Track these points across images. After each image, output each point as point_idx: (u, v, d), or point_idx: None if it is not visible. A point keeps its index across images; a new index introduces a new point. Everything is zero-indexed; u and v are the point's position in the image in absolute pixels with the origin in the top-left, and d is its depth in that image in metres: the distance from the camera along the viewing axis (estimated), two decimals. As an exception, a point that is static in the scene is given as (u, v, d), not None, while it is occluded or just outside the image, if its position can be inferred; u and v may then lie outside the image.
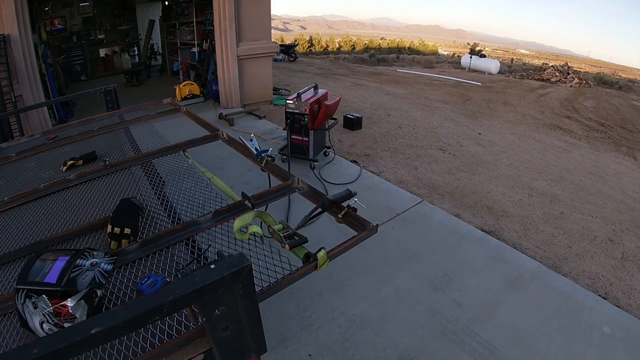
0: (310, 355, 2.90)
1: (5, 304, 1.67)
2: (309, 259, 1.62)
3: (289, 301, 3.32)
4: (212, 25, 9.42)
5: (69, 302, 1.37)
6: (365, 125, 8.03)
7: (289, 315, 3.21)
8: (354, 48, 36.93)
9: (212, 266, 1.09)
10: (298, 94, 5.64)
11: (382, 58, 30.44)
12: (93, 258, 1.51)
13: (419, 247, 4.05)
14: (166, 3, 14.00)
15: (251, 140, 2.64)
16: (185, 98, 9.34)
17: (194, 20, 11.27)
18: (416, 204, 4.71)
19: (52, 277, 1.43)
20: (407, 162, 6.36)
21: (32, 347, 1.00)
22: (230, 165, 5.20)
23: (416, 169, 6.12)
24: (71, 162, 3.02)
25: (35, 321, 1.41)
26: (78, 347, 1.02)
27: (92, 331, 0.97)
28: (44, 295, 1.39)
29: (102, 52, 15.37)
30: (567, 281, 3.74)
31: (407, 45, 43.65)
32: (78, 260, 1.49)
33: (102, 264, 1.49)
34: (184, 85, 9.60)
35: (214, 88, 9.44)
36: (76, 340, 0.98)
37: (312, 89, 5.99)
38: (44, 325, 1.40)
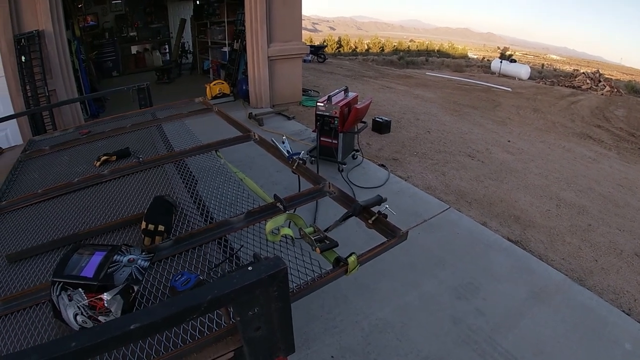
0: (332, 357, 2.92)
1: (38, 294, 1.72)
2: (339, 263, 1.64)
3: (314, 302, 3.34)
4: (244, 26, 9.49)
5: (105, 297, 1.41)
6: (393, 129, 8.00)
7: (314, 316, 3.23)
8: (382, 50, 36.71)
9: (250, 268, 1.11)
10: (329, 96, 5.65)
11: (411, 60, 30.21)
12: (130, 254, 1.55)
13: (445, 254, 4.04)
14: (198, 2, 14.14)
15: (283, 142, 2.68)
16: (216, 97, 9.46)
17: (226, 20, 11.38)
18: (443, 211, 4.68)
19: (89, 272, 1.47)
20: (435, 167, 6.32)
21: (70, 340, 1.04)
22: (259, 165, 5.21)
23: (444, 175, 6.08)
24: (105, 157, 3.09)
25: (69, 313, 1.45)
26: (116, 341, 1.05)
27: (132, 327, 1.00)
28: (80, 289, 1.42)
29: (134, 49, 15.64)
30: (591, 295, 3.68)
31: (437, 48, 43.22)
32: (115, 256, 1.53)
33: (139, 261, 1.53)
34: (214, 84, 9.71)
35: (244, 88, 9.53)
36: (115, 335, 1.01)
37: (343, 92, 5.99)
38: (78, 317, 1.44)
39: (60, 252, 2.08)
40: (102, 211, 2.40)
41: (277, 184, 4.87)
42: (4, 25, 6.83)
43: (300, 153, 2.52)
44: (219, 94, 9.53)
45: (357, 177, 5.71)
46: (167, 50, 15.88)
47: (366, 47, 37.57)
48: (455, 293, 3.57)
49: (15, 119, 7.22)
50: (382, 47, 37.75)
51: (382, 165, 6.17)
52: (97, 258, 1.52)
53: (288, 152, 2.59)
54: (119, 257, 1.53)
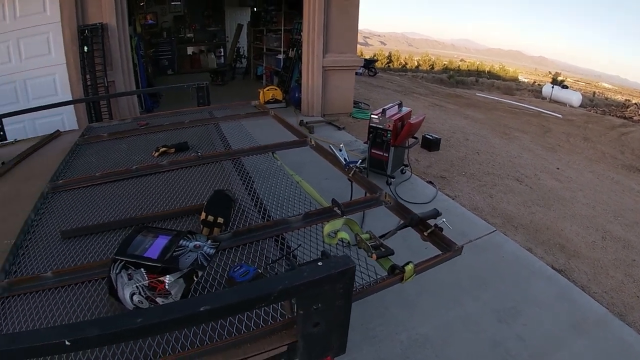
0: (370, 366, 2.92)
1: (91, 271, 1.80)
2: (394, 271, 1.64)
3: (355, 310, 3.31)
4: (300, 35, 9.62)
5: (167, 279, 1.45)
6: (443, 147, 7.94)
7: (354, 323, 3.21)
8: (432, 67, 36.45)
9: (320, 263, 1.13)
10: (383, 109, 5.66)
11: (461, 80, 29.91)
12: (196, 241, 1.59)
13: (489, 277, 3.98)
14: (255, 9, 14.37)
15: (340, 150, 2.70)
16: (268, 102, 9.60)
17: (282, 28, 11.55)
18: (489, 233, 4.62)
19: (153, 253, 1.51)
20: (483, 189, 6.25)
21: (137, 315, 1.08)
22: (308, 171, 5.07)
23: (492, 197, 6.01)
24: (164, 149, 3.18)
25: (125, 292, 1.49)
26: (183, 322, 1.10)
27: (201, 309, 1.02)
28: (142, 269, 1.46)
29: (190, 50, 16.06)
30: (630, 331, 3.56)
31: (487, 69, 42.57)
32: (181, 241, 1.57)
33: (205, 248, 1.56)
34: (267, 90, 9.85)
35: (296, 95, 9.65)
36: (183, 315, 1.05)
37: (397, 106, 5.98)
38: (134, 297, 1.48)
39: (115, 233, 2.16)
40: (159, 199, 2.48)
41: (325, 191, 4.85)
42: (69, 16, 7.17)
43: (357, 162, 2.53)
44: (271, 99, 9.67)
45: (405, 191, 5.67)
46: (222, 54, 16.21)
47: (416, 63, 37.39)
48: (496, 316, 3.51)
49: (72, 105, 7.53)
50: (432, 64, 37.52)
51: (430, 182, 6.13)
52: (162, 241, 1.56)
53: (345, 159, 2.61)
54: (185, 242, 1.57)
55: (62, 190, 2.76)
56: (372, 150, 5.76)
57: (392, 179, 5.81)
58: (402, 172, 6.26)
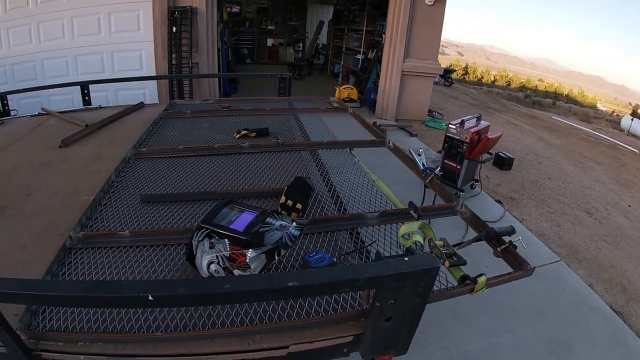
0: (417, 375, 2.90)
1: (169, 236, 1.90)
2: (465, 281, 1.63)
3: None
4: (381, 37, 9.61)
5: (250, 253, 1.48)
6: (514, 167, 7.76)
7: (407, 330, 3.22)
8: (509, 84, 35.41)
9: (406, 259, 1.14)
10: (462, 120, 5.57)
11: (537, 101, 28.92)
12: (282, 221, 1.63)
13: (547, 307, 3.88)
14: (338, 7, 14.42)
15: (419, 155, 2.68)
16: (343, 100, 9.62)
17: (364, 28, 11.55)
18: (553, 262, 4.50)
19: (239, 226, 1.55)
20: (551, 217, 6.07)
21: (225, 281, 1.11)
22: (378, 174, 5.15)
23: (559, 226, 5.82)
24: (245, 132, 3.27)
25: (204, 259, 1.54)
26: (270, 293, 1.13)
27: (289, 284, 1.05)
28: (226, 240, 1.51)
29: (269, 42, 16.32)
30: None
31: (566, 92, 40.91)
32: (268, 219, 1.61)
33: (290, 228, 1.60)
34: (344, 88, 9.90)
35: (371, 97, 9.64)
36: (271, 288, 1.08)
37: (475, 119, 5.87)
38: (212, 266, 1.53)
39: (193, 204, 2.26)
40: (239, 178, 2.57)
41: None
42: None
43: (436, 169, 2.50)
44: (346, 98, 9.69)
45: (472, 207, 5.38)
46: (301, 48, 16.40)
47: (493, 78, 36.49)
48: (548, 347, 3.42)
49: (155, 81, 7.85)
50: (509, 81, 36.49)
51: (499, 202, 6.00)
52: (248, 216, 1.61)
53: (423, 165, 2.58)
54: (271, 220, 1.61)
55: (144, 157, 2.92)
56: (445, 161, 5.69)
57: (462, 193, 5.72)
58: (472, 187, 6.15)
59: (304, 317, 1.43)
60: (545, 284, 4.17)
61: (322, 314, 1.45)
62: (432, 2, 8.44)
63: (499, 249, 1.90)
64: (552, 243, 5.23)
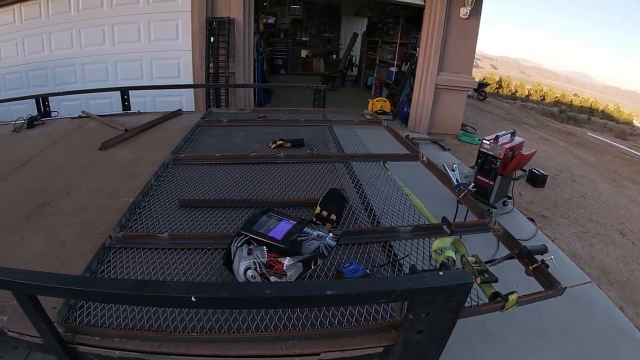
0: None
1: (206, 241, 1.97)
2: (496, 298, 1.63)
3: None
4: (415, 50, 9.61)
5: (287, 261, 1.52)
6: (548, 184, 7.64)
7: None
8: (543, 99, 34.67)
9: (441, 273, 1.16)
10: (496, 136, 5.51)
11: (572, 116, 28.36)
12: (319, 231, 1.66)
13: (576, 328, 3.80)
14: (372, 20, 14.46)
15: (453, 170, 2.68)
16: (376, 112, 9.64)
17: (398, 41, 11.54)
18: (583, 283, 4.43)
19: (277, 234, 1.60)
20: (584, 236, 5.96)
21: (266, 287, 1.15)
22: (410, 188, 5.12)
23: (592, 246, 5.72)
24: (280, 142, 3.34)
25: (241, 265, 1.59)
26: (307, 301, 1.17)
27: (327, 292, 1.08)
28: (264, 247, 1.56)
29: (303, 53, 16.43)
30: None
31: (601, 108, 39.91)
32: (305, 228, 1.65)
33: (327, 239, 1.63)
34: (377, 100, 9.92)
35: (404, 110, 9.62)
36: (309, 295, 1.12)
37: (509, 135, 5.80)
38: (248, 271, 1.57)
39: (230, 211, 2.32)
40: (274, 187, 2.64)
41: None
42: (199, 7, 7.69)
43: (469, 185, 2.51)
44: (379, 110, 9.69)
45: (505, 224, 5.36)
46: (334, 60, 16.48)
47: (527, 92, 35.87)
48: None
49: (192, 89, 8.08)
50: (544, 96, 35.81)
51: (531, 220, 5.91)
52: (286, 225, 1.66)
53: (457, 180, 2.59)
54: (309, 230, 1.65)
55: (183, 163, 3.02)
56: (478, 177, 5.65)
57: (494, 209, 5.65)
58: (504, 204, 6.06)
59: (335, 326, 1.46)
60: (575, 305, 4.11)
61: (353, 324, 1.47)
62: (467, 16, 8.43)
63: (530, 268, 1.89)
64: (583, 264, 5.15)
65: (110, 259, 1.88)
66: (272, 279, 1.54)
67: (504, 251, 2.09)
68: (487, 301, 1.65)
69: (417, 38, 10.09)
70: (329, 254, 1.60)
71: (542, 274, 1.86)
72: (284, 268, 1.53)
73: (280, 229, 1.63)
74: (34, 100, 5.40)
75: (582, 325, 3.88)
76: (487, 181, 5.52)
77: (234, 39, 7.89)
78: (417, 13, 9.75)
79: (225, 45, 7.74)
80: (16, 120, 4.22)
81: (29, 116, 4.31)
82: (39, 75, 8.43)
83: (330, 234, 1.67)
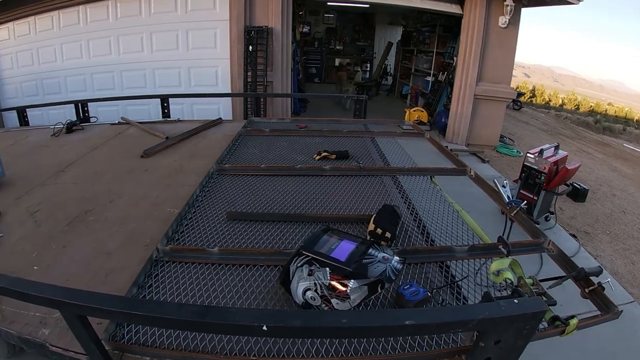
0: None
1: (258, 257, 1.96)
2: (555, 322, 1.58)
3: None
4: (452, 59, 9.53)
5: (351, 283, 1.49)
6: (588, 199, 7.47)
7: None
8: (578, 108, 33.99)
9: (516, 301, 1.13)
10: (541, 149, 5.42)
11: (608, 126, 27.72)
12: (384, 252, 1.63)
13: (618, 350, 3.72)
14: (406, 29, 14.40)
15: (504, 186, 2.63)
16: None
17: (434, 50, 11.43)
18: (626, 303, 4.30)
19: (340, 255, 1.57)
20: (626, 254, 5.80)
21: (341, 316, 1.13)
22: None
23: (633, 264, 5.56)
24: (325, 154, 3.33)
25: (300, 286, 1.56)
26: (386, 331, 1.16)
27: (407, 322, 1.05)
28: (327, 268, 1.52)
29: (337, 62, 16.44)
30: None
31: (637, 117, 38.89)
32: (370, 250, 1.62)
33: (393, 261, 1.59)
34: (414, 110, 9.84)
35: (442, 120, 9.51)
36: (389, 325, 1.09)
37: (553, 148, 5.69)
38: (308, 293, 1.55)
39: (279, 225, 2.30)
40: (322, 201, 2.61)
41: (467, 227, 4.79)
42: (237, 16, 7.78)
43: (522, 202, 2.45)
44: (416, 120, 9.60)
45: None
46: (368, 69, 16.49)
47: (561, 101, 35.22)
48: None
49: (230, 97, 8.21)
50: (578, 105, 35.08)
51: (574, 236, 5.77)
52: (348, 245, 1.63)
53: (508, 197, 2.53)
54: (373, 251, 1.61)
55: (227, 173, 3.02)
56: (521, 191, 5.56)
57: (537, 225, 5.51)
58: (547, 220, 5.93)
59: (398, 352, 1.42)
60: (616, 326, 3.97)
61: (416, 349, 1.44)
62: (506, 25, 8.32)
63: (586, 290, 1.85)
64: (625, 282, 5.02)
65: (157, 273, 1.87)
66: (334, 301, 1.51)
67: (549, 269, 2.05)
68: (547, 325, 1.61)
69: (454, 47, 10.03)
70: (395, 277, 1.56)
71: (598, 296, 1.83)
72: (348, 291, 1.49)
73: (343, 249, 1.60)
74: (70, 104, 5.54)
75: (624, 348, 3.81)
76: (531, 196, 5.42)
77: (272, 47, 7.95)
78: (454, 22, 9.74)
79: (264, 54, 7.80)
80: (55, 125, 4.31)
81: (68, 121, 4.41)
82: (77, 81, 8.67)
83: (396, 257, 1.63)
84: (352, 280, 1.49)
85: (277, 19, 7.87)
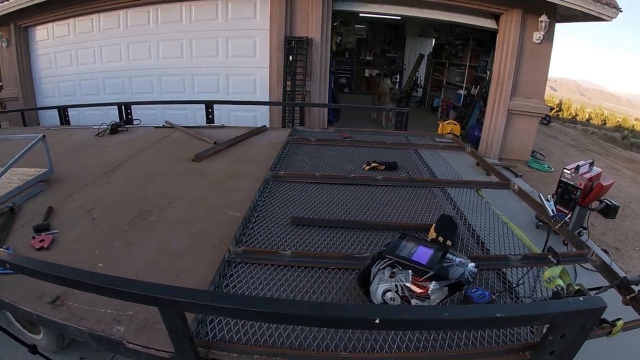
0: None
1: (328, 260, 2.08)
2: (602, 324, 1.73)
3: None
4: (486, 73, 9.56)
5: (432, 285, 1.64)
6: (618, 216, 7.48)
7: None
8: (604, 123, 33.34)
9: (581, 298, 1.29)
10: (577, 165, 5.51)
11: (635, 142, 27.20)
12: (460, 257, 1.77)
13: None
14: (438, 41, 14.46)
15: (548, 200, 2.76)
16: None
17: (467, 63, 11.46)
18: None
19: (421, 258, 1.71)
20: (655, 271, 5.85)
21: (444, 310, 1.28)
22: (490, 215, 5.16)
23: (662, 282, 5.60)
24: (374, 164, 3.48)
25: (379, 286, 1.70)
26: (479, 323, 1.29)
27: (497, 315, 1.20)
28: (409, 270, 1.67)
29: (367, 72, 16.52)
30: None
31: (663, 132, 37.88)
32: (448, 254, 1.76)
33: (469, 266, 1.74)
34: (447, 123, 9.83)
35: (475, 134, 9.54)
36: (480, 317, 1.24)
37: (588, 165, 5.77)
38: (388, 294, 1.69)
39: (340, 231, 2.44)
40: (377, 210, 2.75)
41: (506, 237, 4.85)
42: (278, 26, 7.96)
43: (566, 216, 2.60)
44: (449, 133, 9.67)
45: None
46: (398, 80, 16.51)
47: (587, 116, 34.61)
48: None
49: (267, 105, 8.37)
50: (605, 120, 34.42)
51: (605, 251, 5.83)
52: (425, 250, 1.77)
53: (552, 211, 2.68)
54: (451, 256, 1.76)
55: (282, 180, 3.18)
56: (557, 206, 5.52)
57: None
58: (580, 235, 5.90)
59: (462, 347, 1.56)
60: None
61: (478, 346, 1.57)
62: (540, 40, 8.36)
63: (627, 297, 1.98)
64: (655, 299, 5.07)
65: (232, 273, 1.97)
66: (414, 302, 1.64)
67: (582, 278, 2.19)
68: (595, 327, 1.75)
69: (487, 61, 10.09)
70: (473, 280, 1.70)
71: (638, 303, 1.95)
72: (429, 292, 1.63)
73: (422, 253, 1.74)
74: (107, 106, 5.74)
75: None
76: (567, 211, 5.48)
77: (312, 58, 8.11)
78: (487, 36, 9.79)
79: (303, 64, 7.97)
80: (100, 125, 4.49)
81: (112, 122, 4.61)
82: (116, 84, 8.94)
83: (471, 262, 1.77)
84: (434, 282, 1.63)
85: (317, 29, 8.05)
